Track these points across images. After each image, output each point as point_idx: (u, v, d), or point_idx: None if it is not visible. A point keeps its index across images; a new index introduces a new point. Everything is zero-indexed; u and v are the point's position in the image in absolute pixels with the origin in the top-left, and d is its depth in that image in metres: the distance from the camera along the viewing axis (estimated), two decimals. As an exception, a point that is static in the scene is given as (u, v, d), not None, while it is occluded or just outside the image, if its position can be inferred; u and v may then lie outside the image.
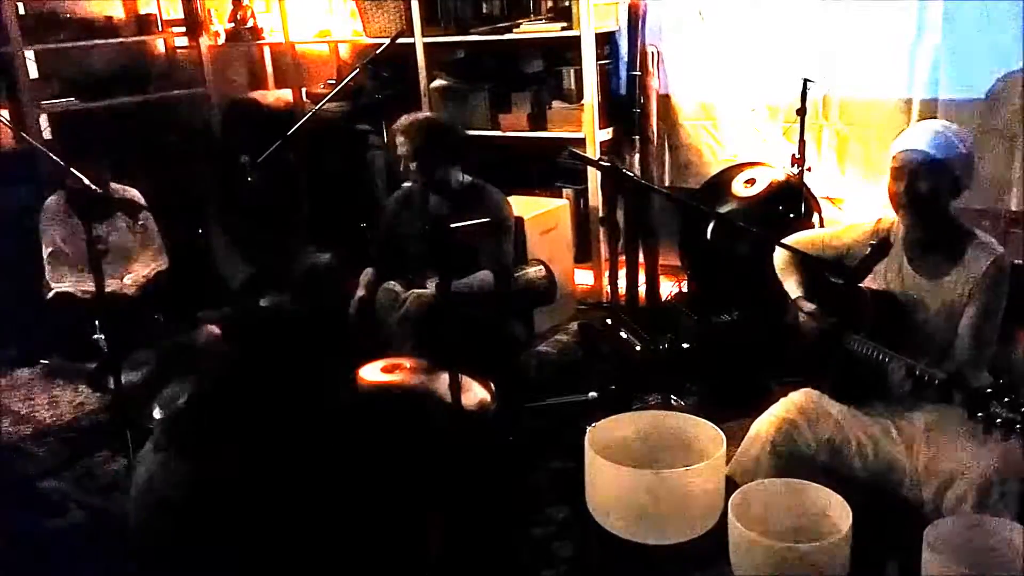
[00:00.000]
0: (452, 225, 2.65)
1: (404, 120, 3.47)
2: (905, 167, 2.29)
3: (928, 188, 2.27)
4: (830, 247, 2.55)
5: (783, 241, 2.60)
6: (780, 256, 2.64)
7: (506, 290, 3.45)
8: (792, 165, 3.79)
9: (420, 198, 3.57)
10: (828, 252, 2.54)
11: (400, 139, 3.45)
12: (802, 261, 2.57)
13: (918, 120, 3.75)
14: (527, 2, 4.60)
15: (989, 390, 1.93)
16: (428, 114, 3.59)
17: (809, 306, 2.50)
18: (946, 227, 2.36)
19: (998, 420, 1.90)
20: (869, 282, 2.43)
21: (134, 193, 4.03)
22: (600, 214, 4.28)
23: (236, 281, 4.15)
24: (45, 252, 4.00)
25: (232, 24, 5.66)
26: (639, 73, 4.35)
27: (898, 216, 2.38)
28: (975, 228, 2.38)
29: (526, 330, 3.81)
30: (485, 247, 3.38)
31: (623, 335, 3.50)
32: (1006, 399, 1.90)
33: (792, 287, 2.59)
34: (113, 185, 4.00)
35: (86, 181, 3.26)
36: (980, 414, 1.94)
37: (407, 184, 3.69)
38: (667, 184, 4.49)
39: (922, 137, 2.29)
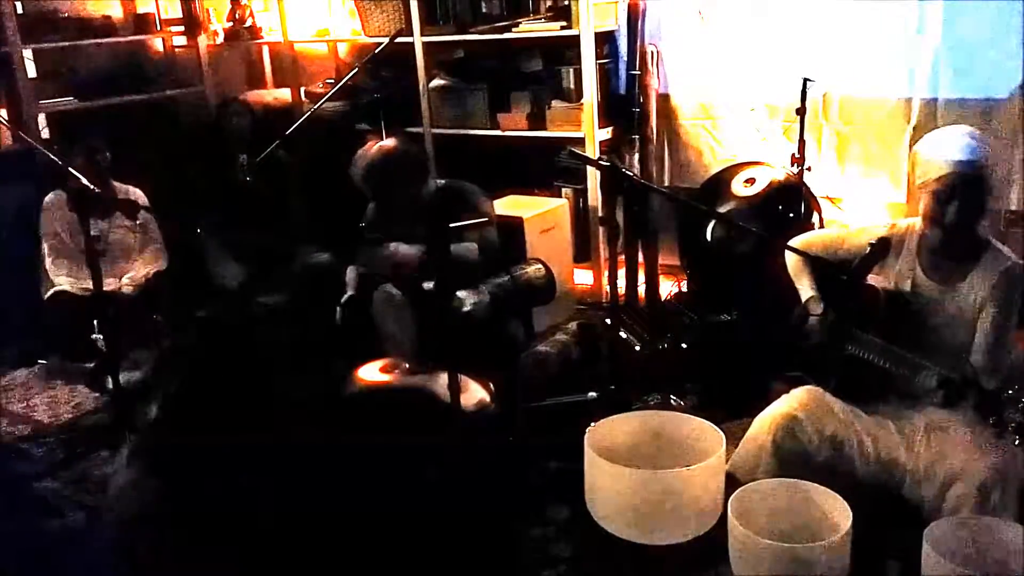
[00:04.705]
0: (451, 225, 2.64)
1: (359, 163, 3.32)
2: (956, 177, 2.22)
3: (976, 201, 2.25)
4: (843, 248, 2.52)
5: (791, 243, 2.60)
6: (792, 257, 2.61)
7: (491, 258, 3.38)
8: (792, 165, 3.79)
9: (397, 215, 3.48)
10: (841, 253, 2.51)
11: (361, 184, 3.33)
12: (814, 262, 2.55)
13: (918, 120, 3.76)
14: (526, 1, 4.59)
15: (1006, 393, 1.93)
16: (383, 148, 3.34)
17: (819, 308, 2.49)
18: (968, 233, 2.33)
19: (1011, 425, 1.91)
20: (883, 284, 2.42)
21: (137, 193, 4.03)
22: (600, 214, 4.27)
23: (233, 281, 4.14)
24: (45, 246, 3.98)
25: (231, 23, 5.66)
26: (638, 72, 4.35)
27: (929, 229, 2.34)
28: (990, 236, 2.37)
29: (525, 330, 3.81)
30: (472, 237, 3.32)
31: (623, 335, 3.49)
32: (1020, 404, 1.90)
33: (805, 288, 2.57)
34: (116, 184, 4.00)
35: (84, 181, 3.25)
36: (993, 418, 1.94)
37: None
38: (667, 184, 4.48)
39: (968, 146, 2.23)
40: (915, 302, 2.39)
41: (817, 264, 2.54)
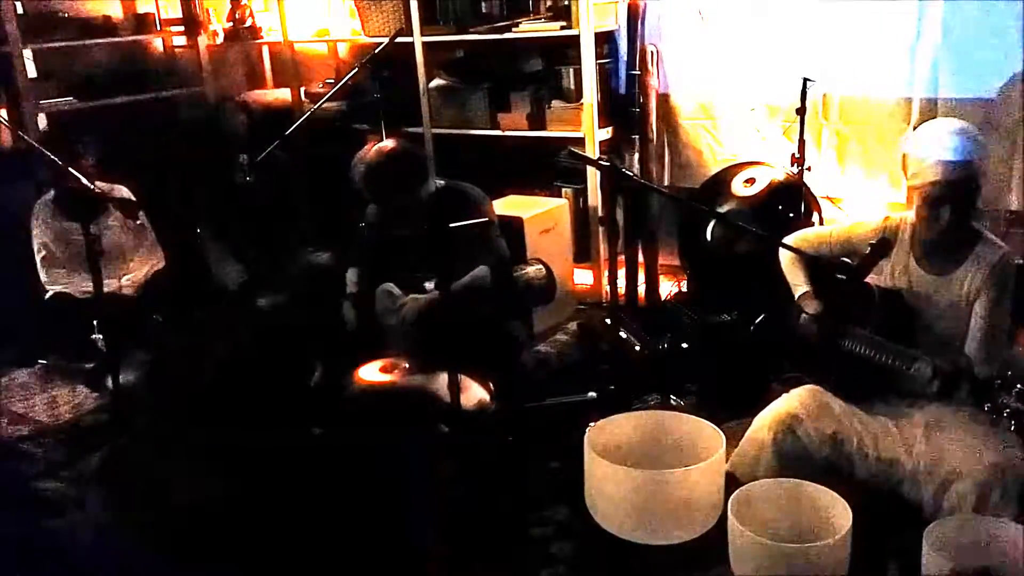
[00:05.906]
0: (452, 225, 2.64)
1: (358, 166, 3.27)
2: (949, 181, 2.23)
3: (969, 197, 2.27)
4: (837, 244, 2.55)
5: (786, 241, 2.60)
6: (785, 253, 2.63)
7: (505, 283, 3.40)
8: (792, 164, 3.78)
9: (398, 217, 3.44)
10: (835, 249, 2.54)
11: (361, 188, 3.29)
12: (807, 259, 2.56)
13: (918, 120, 3.76)
14: (526, 1, 4.59)
15: (997, 381, 1.94)
16: (381, 150, 3.28)
17: (813, 305, 2.50)
18: (962, 227, 2.34)
19: (1006, 411, 1.92)
20: (876, 279, 2.43)
21: (123, 191, 4.01)
22: (600, 214, 4.28)
23: (233, 281, 4.14)
24: (37, 256, 3.98)
25: (231, 23, 5.67)
26: (638, 72, 4.34)
27: (923, 222, 2.35)
28: (983, 229, 2.38)
29: (526, 330, 3.80)
30: (477, 245, 3.32)
31: (623, 335, 3.49)
32: (1014, 390, 1.91)
33: (798, 285, 2.58)
34: (99, 184, 3.97)
35: (84, 181, 3.24)
36: (988, 405, 1.95)
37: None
38: (667, 184, 4.48)
39: (959, 146, 2.24)
40: (909, 294, 2.40)
41: (812, 262, 2.55)
